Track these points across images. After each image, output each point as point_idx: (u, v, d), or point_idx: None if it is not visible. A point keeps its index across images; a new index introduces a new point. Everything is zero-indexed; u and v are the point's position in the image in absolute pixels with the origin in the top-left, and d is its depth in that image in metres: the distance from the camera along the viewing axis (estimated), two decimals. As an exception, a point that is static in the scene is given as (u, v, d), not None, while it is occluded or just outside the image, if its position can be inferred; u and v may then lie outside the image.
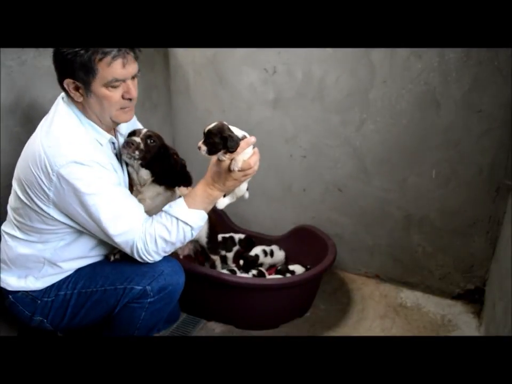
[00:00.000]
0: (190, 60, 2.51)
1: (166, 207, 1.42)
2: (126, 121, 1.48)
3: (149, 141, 1.52)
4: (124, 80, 1.35)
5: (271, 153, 2.44)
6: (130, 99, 1.39)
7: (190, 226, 1.40)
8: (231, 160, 1.36)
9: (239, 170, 1.37)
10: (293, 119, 2.34)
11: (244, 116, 2.45)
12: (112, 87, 1.33)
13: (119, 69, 1.31)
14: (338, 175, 2.33)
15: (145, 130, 1.56)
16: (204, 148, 1.35)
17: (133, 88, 1.38)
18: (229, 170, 1.36)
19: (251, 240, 2.48)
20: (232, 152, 1.34)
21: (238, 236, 2.50)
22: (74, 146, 1.31)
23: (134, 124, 1.69)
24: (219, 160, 1.37)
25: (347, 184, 2.32)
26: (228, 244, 2.45)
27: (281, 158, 2.44)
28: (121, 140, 1.56)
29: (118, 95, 1.36)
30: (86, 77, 1.31)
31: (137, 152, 1.48)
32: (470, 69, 1.87)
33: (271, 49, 2.24)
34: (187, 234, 1.42)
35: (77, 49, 1.27)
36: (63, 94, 1.41)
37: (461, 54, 1.87)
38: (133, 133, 1.54)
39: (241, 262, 2.31)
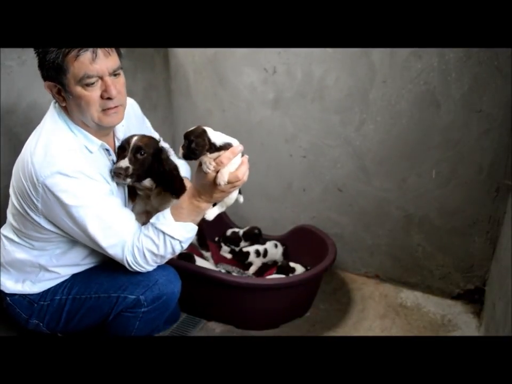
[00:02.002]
0: (190, 60, 2.51)
1: (153, 219, 1.37)
2: (113, 125, 1.39)
3: (138, 155, 1.43)
4: (101, 78, 1.26)
5: (271, 153, 2.44)
6: (110, 98, 1.28)
7: (178, 240, 1.35)
8: (217, 172, 1.27)
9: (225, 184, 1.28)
10: (293, 119, 2.34)
11: (244, 116, 2.45)
12: (87, 85, 1.25)
13: (88, 64, 1.22)
14: (338, 175, 2.33)
15: (133, 140, 1.44)
16: (181, 151, 1.29)
17: (113, 86, 1.27)
18: (215, 183, 1.28)
19: (253, 232, 2.44)
20: (194, 158, 1.27)
21: (242, 231, 2.50)
22: (60, 156, 1.26)
23: (147, 130, 1.66)
24: (204, 173, 1.28)
25: (347, 184, 2.32)
26: (235, 238, 2.49)
27: (281, 158, 2.44)
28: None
29: (95, 95, 1.27)
30: (58, 76, 1.25)
31: (128, 180, 1.41)
32: (470, 69, 1.87)
33: (271, 49, 2.24)
34: (176, 248, 1.36)
35: (47, 48, 1.22)
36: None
37: (460, 54, 1.87)
38: (122, 148, 1.44)
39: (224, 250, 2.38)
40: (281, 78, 2.28)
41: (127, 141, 1.45)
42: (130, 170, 1.41)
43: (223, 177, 1.27)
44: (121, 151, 1.45)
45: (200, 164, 1.31)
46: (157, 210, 1.50)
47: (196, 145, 1.25)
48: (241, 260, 2.33)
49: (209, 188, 1.30)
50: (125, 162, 1.41)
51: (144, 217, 1.60)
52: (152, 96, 2.49)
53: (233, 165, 1.29)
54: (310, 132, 2.31)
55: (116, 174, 1.40)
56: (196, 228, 1.40)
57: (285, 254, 2.40)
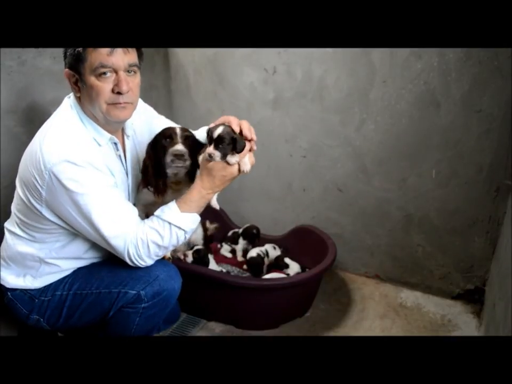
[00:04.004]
0: (190, 59, 2.51)
1: (157, 212, 1.39)
2: (120, 119, 1.41)
3: (187, 141, 1.48)
4: (115, 71, 1.30)
5: (271, 153, 2.45)
6: (120, 93, 1.32)
7: (183, 230, 1.39)
8: (238, 163, 1.37)
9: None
10: (293, 119, 2.34)
11: (244, 116, 2.40)
12: (101, 76, 1.29)
13: (105, 55, 1.27)
14: (338, 175, 2.33)
15: (178, 130, 1.48)
16: (217, 154, 1.33)
17: (125, 82, 1.31)
18: (239, 172, 1.37)
19: (251, 232, 2.45)
20: (239, 152, 1.35)
21: (241, 229, 2.53)
22: (69, 146, 1.29)
23: (150, 124, 1.67)
24: (227, 164, 1.35)
25: (347, 184, 2.32)
26: (234, 237, 2.52)
27: (281, 158, 2.44)
28: (127, 142, 1.54)
29: (107, 87, 1.31)
30: (76, 64, 1.29)
31: (187, 163, 1.46)
32: (470, 69, 1.87)
33: (271, 49, 2.24)
34: (180, 238, 1.40)
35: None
36: (71, 94, 1.41)
37: (460, 54, 1.87)
38: (169, 136, 1.46)
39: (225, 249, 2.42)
40: (281, 78, 2.28)
41: (172, 131, 1.49)
42: (187, 154, 1.45)
43: (248, 165, 1.38)
44: (170, 138, 1.48)
45: (208, 159, 1.37)
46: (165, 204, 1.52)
47: (239, 141, 1.35)
48: (258, 267, 2.28)
49: (228, 178, 1.38)
50: (181, 147, 1.45)
51: (146, 210, 1.61)
52: (152, 96, 2.49)
53: (246, 153, 1.39)
54: (310, 132, 2.31)
55: (177, 156, 1.44)
56: (199, 218, 1.44)
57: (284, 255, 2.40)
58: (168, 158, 1.45)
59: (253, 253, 2.31)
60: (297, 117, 2.32)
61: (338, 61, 2.12)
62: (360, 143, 2.21)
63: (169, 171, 1.49)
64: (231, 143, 1.33)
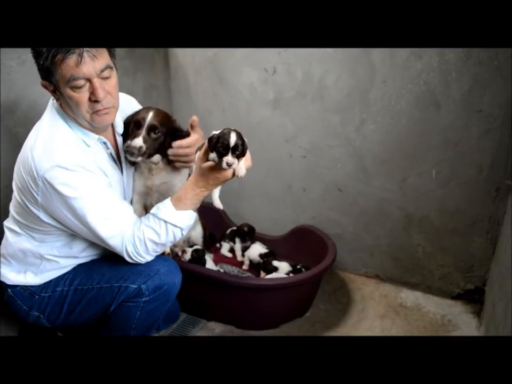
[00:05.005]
0: (190, 59, 2.51)
1: (153, 210, 1.41)
2: (105, 125, 1.40)
3: (152, 134, 1.43)
4: (89, 80, 1.27)
5: (271, 153, 2.45)
6: (98, 101, 1.29)
7: (180, 227, 1.40)
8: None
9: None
10: (293, 119, 2.34)
11: (244, 116, 2.45)
12: (76, 87, 1.26)
13: (73, 66, 1.23)
14: (338, 175, 2.33)
15: (148, 119, 1.42)
16: (236, 162, 1.32)
17: (101, 89, 1.27)
18: (233, 176, 1.36)
19: (242, 230, 2.46)
20: (244, 156, 1.35)
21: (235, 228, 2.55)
22: (59, 150, 1.29)
23: None
24: (222, 168, 1.33)
25: (347, 184, 2.32)
26: (232, 235, 2.53)
27: (281, 158, 2.44)
28: (120, 140, 1.53)
29: (84, 97, 1.28)
30: (48, 77, 1.28)
31: (140, 158, 1.42)
32: (470, 69, 1.87)
33: (271, 49, 2.24)
34: (177, 235, 1.42)
35: (40, 49, 1.23)
36: None
37: (461, 54, 1.87)
38: (137, 124, 1.43)
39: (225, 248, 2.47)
40: (281, 78, 2.28)
41: (142, 117, 1.44)
42: (144, 149, 1.42)
43: (243, 170, 1.36)
44: (136, 127, 1.44)
45: (205, 159, 1.37)
46: (157, 187, 1.55)
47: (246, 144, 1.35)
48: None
49: (223, 180, 1.38)
50: (139, 141, 1.41)
51: (142, 200, 1.62)
52: (152, 96, 2.49)
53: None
54: (310, 132, 2.31)
55: (129, 152, 1.41)
56: (195, 214, 1.46)
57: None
58: (123, 150, 1.43)
59: (258, 249, 2.34)
60: (297, 117, 2.32)
61: (338, 61, 2.12)
62: (360, 143, 2.21)
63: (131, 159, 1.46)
64: (242, 148, 1.33)
